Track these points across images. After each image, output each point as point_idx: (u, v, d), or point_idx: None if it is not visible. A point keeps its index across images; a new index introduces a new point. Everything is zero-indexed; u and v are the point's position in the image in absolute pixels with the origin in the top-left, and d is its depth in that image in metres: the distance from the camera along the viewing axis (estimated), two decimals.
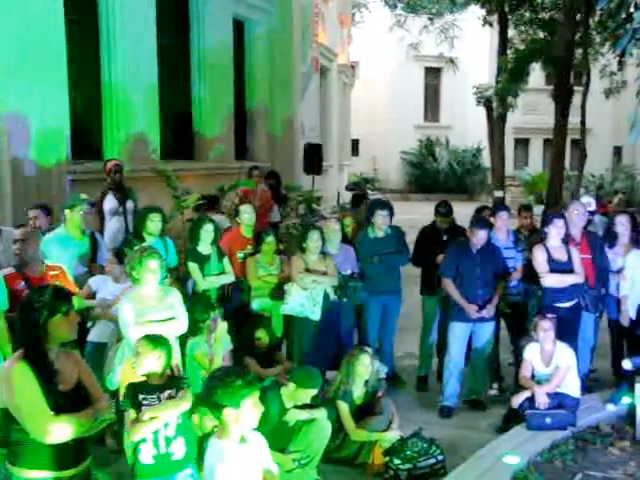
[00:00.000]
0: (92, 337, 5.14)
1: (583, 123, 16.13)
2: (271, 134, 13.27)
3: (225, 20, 11.55)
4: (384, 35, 24.94)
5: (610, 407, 5.52)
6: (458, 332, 5.87)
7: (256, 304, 6.08)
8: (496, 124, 17.85)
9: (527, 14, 17.27)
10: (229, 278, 6.04)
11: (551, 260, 5.71)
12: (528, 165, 26.47)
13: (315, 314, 5.80)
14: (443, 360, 6.17)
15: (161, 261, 4.66)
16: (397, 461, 4.64)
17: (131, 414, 3.52)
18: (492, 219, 6.33)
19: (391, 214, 6.26)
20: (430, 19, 22.85)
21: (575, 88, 15.76)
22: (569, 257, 5.75)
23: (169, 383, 3.67)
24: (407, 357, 7.10)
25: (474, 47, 25.56)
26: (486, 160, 23.07)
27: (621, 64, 17.35)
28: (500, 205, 8.75)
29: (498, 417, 5.56)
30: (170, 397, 3.59)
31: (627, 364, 5.41)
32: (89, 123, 8.89)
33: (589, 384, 6.01)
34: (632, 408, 5.22)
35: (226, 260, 6.04)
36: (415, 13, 23.05)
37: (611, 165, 25.93)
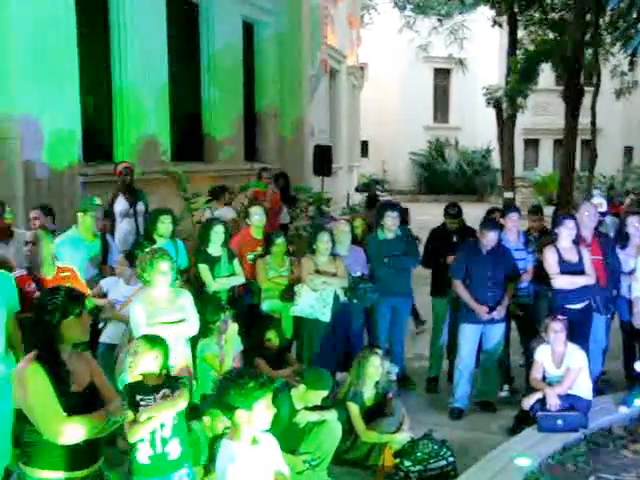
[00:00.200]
0: (104, 338, 5.17)
1: (594, 123, 16.08)
2: (280, 136, 13.29)
3: (234, 22, 11.59)
4: (393, 36, 24.95)
5: (622, 409, 5.49)
6: (468, 333, 5.86)
7: (266, 305, 6.09)
8: (506, 125, 17.79)
9: (537, 14, 17.20)
10: (239, 280, 6.05)
11: (562, 261, 5.69)
12: (538, 166, 26.36)
13: (325, 315, 5.80)
14: (453, 362, 6.16)
15: (172, 263, 4.68)
16: (408, 463, 4.63)
17: (129, 415, 3.51)
18: (502, 220, 6.32)
19: (403, 217, 6.25)
20: (439, 20, 22.83)
21: (585, 88, 15.70)
22: (580, 258, 5.72)
23: (166, 383, 3.67)
24: (417, 359, 7.09)
25: (483, 48, 25.50)
26: (495, 161, 23.02)
27: (632, 64, 17.27)
28: (510, 206, 8.73)
29: (509, 419, 5.54)
30: (164, 396, 3.57)
31: (639, 366, 5.38)
32: (100, 125, 8.94)
33: (600, 386, 5.98)
34: None
35: (236, 262, 6.06)
36: (424, 14, 23.03)
37: (622, 166, 25.80)
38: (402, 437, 4.84)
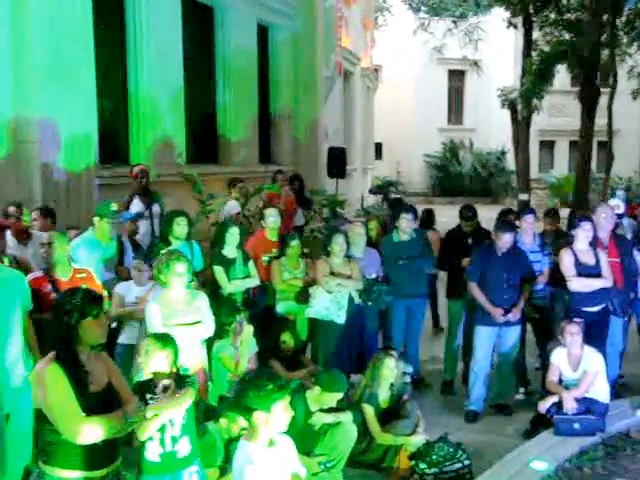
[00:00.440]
0: (122, 339, 5.20)
1: (610, 125, 15.95)
2: (295, 138, 13.31)
3: (249, 25, 11.63)
4: (408, 38, 24.91)
5: None
6: (484, 336, 5.83)
7: (281, 307, 6.10)
8: (521, 126, 17.69)
9: (552, 15, 17.09)
10: (254, 282, 6.07)
11: (578, 264, 5.65)
12: (553, 168, 26.19)
13: (340, 317, 5.80)
14: (469, 364, 6.14)
15: (188, 264, 4.70)
16: (423, 465, 4.62)
17: (147, 411, 3.50)
18: (517, 222, 6.29)
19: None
20: (454, 22, 22.77)
21: (602, 89, 15.58)
22: (597, 261, 5.67)
23: (176, 382, 3.68)
24: (432, 361, 7.07)
25: (498, 49, 25.39)
26: (510, 163, 22.88)
27: None
28: (526, 208, 8.69)
29: (524, 422, 5.51)
30: (165, 389, 3.54)
31: None
32: (117, 128, 9.01)
33: (618, 389, 5.93)
34: None
35: (251, 264, 6.07)
36: (439, 16, 22.99)
37: (639, 167, 25.54)
38: (417, 439, 4.83)
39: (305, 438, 4.35)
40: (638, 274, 6.01)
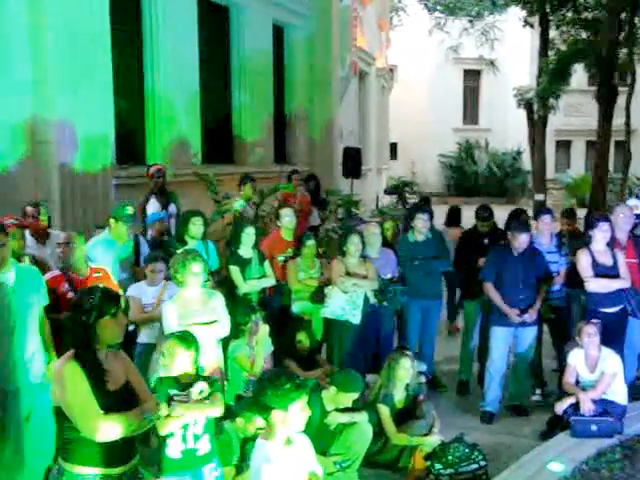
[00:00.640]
0: (142, 338, 5.23)
1: (628, 124, 15.77)
2: (310, 138, 13.32)
3: (265, 26, 11.66)
4: (423, 38, 24.83)
5: None
6: (500, 336, 5.80)
7: (297, 307, 6.11)
8: (537, 126, 17.58)
9: (569, 14, 16.97)
10: (270, 281, 6.08)
11: (596, 264, 5.61)
12: (570, 168, 25.98)
13: (356, 317, 5.80)
14: (484, 365, 6.11)
15: (204, 264, 4.72)
16: (438, 466, 4.61)
17: (162, 411, 3.54)
18: (534, 223, 6.25)
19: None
20: (470, 21, 22.67)
21: (619, 89, 15.43)
22: (614, 261, 5.63)
23: (200, 379, 3.71)
24: (448, 361, 7.05)
25: (514, 49, 25.24)
26: (526, 163, 22.74)
27: None
28: (543, 208, 8.63)
29: (541, 423, 5.48)
30: (200, 392, 3.59)
31: None
32: (133, 129, 9.07)
33: (636, 391, 5.87)
34: None
35: (267, 263, 6.09)
36: (454, 15, 22.90)
37: None
38: (433, 440, 4.82)
39: (321, 438, 4.36)
40: None
